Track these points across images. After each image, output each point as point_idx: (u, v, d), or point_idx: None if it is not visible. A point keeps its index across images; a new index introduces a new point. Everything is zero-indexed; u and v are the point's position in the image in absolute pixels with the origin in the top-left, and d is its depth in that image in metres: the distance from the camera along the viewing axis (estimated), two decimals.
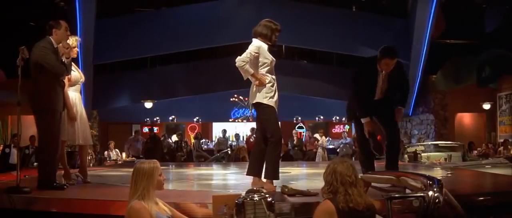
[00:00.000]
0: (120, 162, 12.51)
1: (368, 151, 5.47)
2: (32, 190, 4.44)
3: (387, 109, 5.32)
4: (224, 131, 17.32)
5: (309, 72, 16.75)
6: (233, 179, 7.22)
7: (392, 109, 5.35)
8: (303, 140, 16.05)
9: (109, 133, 17.12)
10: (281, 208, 3.71)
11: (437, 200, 2.80)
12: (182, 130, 18.21)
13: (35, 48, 4.79)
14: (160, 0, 16.43)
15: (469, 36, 14.51)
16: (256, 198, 3.02)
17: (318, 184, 4.01)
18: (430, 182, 2.97)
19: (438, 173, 7.01)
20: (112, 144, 13.90)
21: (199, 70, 16.37)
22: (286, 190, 4.27)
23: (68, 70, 5.02)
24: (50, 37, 4.90)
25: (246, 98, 14.73)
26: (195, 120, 18.42)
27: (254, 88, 4.64)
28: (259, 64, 4.61)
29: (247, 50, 4.59)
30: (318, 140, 15.63)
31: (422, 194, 2.88)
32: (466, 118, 17.31)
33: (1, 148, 11.68)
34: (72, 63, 5.56)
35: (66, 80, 5.25)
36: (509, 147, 13.41)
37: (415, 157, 10.72)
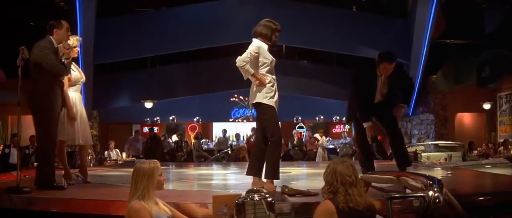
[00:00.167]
0: (120, 162, 12.50)
1: (368, 151, 5.48)
2: (32, 190, 4.44)
3: (387, 110, 5.32)
4: (224, 131, 17.32)
5: (309, 72, 16.76)
6: (233, 179, 7.22)
7: (391, 109, 5.35)
8: (303, 140, 16.05)
9: (109, 133, 17.12)
10: (281, 208, 3.71)
11: (437, 200, 2.80)
12: (182, 130, 18.22)
13: (35, 47, 4.79)
14: (160, 0, 16.43)
15: (469, 36, 14.51)
16: (256, 198, 3.02)
17: (318, 184, 4.02)
18: (430, 182, 2.97)
19: (438, 173, 7.01)
20: (112, 144, 13.90)
21: (199, 70, 16.37)
22: (286, 190, 4.27)
23: (67, 71, 5.02)
24: (50, 37, 4.90)
25: (246, 98, 14.72)
26: (195, 119, 18.42)
27: (254, 88, 4.64)
28: (259, 64, 4.60)
29: (247, 50, 4.59)
30: (318, 140, 15.62)
31: (422, 194, 2.87)
32: (466, 118, 17.31)
33: (1, 148, 11.67)
34: (73, 63, 5.56)
35: (66, 80, 5.25)
36: (509, 146, 13.41)
37: (415, 157, 10.71)
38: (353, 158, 13.80)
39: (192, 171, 9.14)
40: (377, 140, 5.37)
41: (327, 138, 16.59)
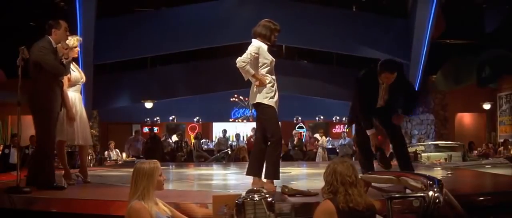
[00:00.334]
0: (120, 162, 12.51)
1: (368, 152, 5.48)
2: (32, 190, 4.44)
3: (388, 114, 5.33)
4: (224, 131, 17.32)
5: (309, 72, 16.76)
6: (233, 179, 7.22)
7: (393, 113, 5.35)
8: (303, 140, 16.05)
9: (109, 133, 17.12)
10: (281, 208, 3.71)
11: (437, 200, 2.80)
12: (182, 130, 18.21)
13: (34, 47, 4.79)
14: (160, 0, 16.42)
15: (469, 36, 14.52)
16: (256, 198, 3.02)
17: (318, 184, 4.01)
18: (430, 182, 2.97)
19: (438, 173, 7.01)
20: (112, 144, 13.90)
21: (199, 70, 16.37)
22: (286, 190, 4.27)
23: (66, 71, 5.01)
24: (49, 37, 4.90)
25: (246, 98, 14.73)
26: (195, 120, 18.42)
27: (255, 89, 4.63)
28: (259, 64, 4.60)
29: (247, 51, 4.59)
30: (318, 140, 15.63)
31: (422, 194, 2.87)
32: (466, 118, 17.31)
33: (1, 148, 11.67)
34: (73, 63, 5.57)
35: (65, 81, 5.25)
36: (509, 147, 13.41)
37: (415, 157, 10.71)
38: (353, 158, 13.81)
39: (192, 171, 9.14)
40: (381, 149, 5.38)
41: (327, 138, 16.59)
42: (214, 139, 18.23)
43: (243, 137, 17.62)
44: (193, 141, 16.67)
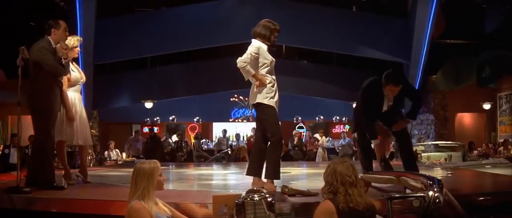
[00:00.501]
0: (120, 162, 12.51)
1: (369, 152, 5.51)
2: (32, 190, 4.44)
3: (392, 115, 5.34)
4: (224, 131, 17.32)
5: (309, 72, 16.76)
6: (233, 179, 7.22)
7: (398, 116, 5.37)
8: (303, 140, 16.05)
9: (109, 133, 17.12)
10: (281, 208, 3.72)
11: (437, 200, 2.80)
12: (182, 130, 18.21)
13: (34, 47, 4.79)
14: (160, 0, 16.42)
15: (469, 36, 14.52)
16: (256, 198, 3.02)
17: (318, 184, 4.02)
18: (430, 182, 2.98)
19: (438, 173, 7.01)
20: (112, 144, 13.90)
21: (199, 70, 16.37)
22: (286, 190, 4.27)
23: (66, 71, 5.01)
24: (48, 37, 4.90)
25: (246, 98, 14.73)
26: (195, 120, 18.42)
27: (255, 89, 4.63)
28: (259, 64, 4.60)
29: (247, 51, 4.59)
30: (318, 140, 15.63)
31: (422, 194, 2.88)
32: (466, 118, 17.32)
33: (1, 148, 11.67)
34: (73, 63, 5.57)
35: (65, 81, 5.25)
36: (509, 147, 13.41)
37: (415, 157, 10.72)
38: (353, 158, 13.81)
39: (192, 171, 9.14)
40: (385, 160, 5.42)
41: (327, 138, 16.60)
42: (214, 139, 18.23)
43: (243, 137, 17.62)
44: (193, 141, 16.67)
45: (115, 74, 16.62)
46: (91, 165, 9.12)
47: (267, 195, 3.09)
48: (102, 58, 14.61)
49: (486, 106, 16.27)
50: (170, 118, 18.29)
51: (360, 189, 2.97)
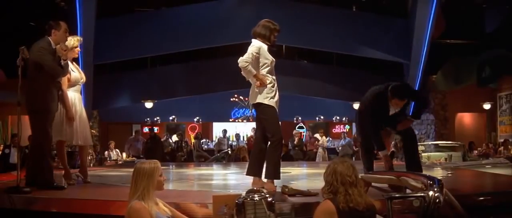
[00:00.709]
0: (120, 162, 12.51)
1: (371, 154, 5.54)
2: (32, 190, 4.44)
3: (397, 117, 5.35)
4: (225, 131, 17.32)
5: (309, 72, 16.76)
6: (234, 179, 7.22)
7: (402, 116, 5.38)
8: (304, 140, 16.05)
9: (110, 133, 17.12)
10: (281, 208, 3.71)
11: (437, 200, 2.80)
12: (182, 130, 18.20)
13: (33, 47, 4.80)
14: (160, 0, 16.42)
15: (469, 36, 14.52)
16: (257, 198, 3.02)
17: (319, 184, 4.01)
18: (431, 182, 2.98)
19: (438, 173, 7.01)
20: (112, 144, 13.90)
21: (199, 70, 16.37)
22: (287, 190, 4.27)
23: (64, 72, 5.01)
24: (49, 37, 4.90)
25: (246, 98, 14.72)
26: (195, 120, 18.42)
27: (255, 89, 4.63)
28: (260, 64, 4.60)
29: (248, 51, 4.58)
30: (318, 140, 15.63)
31: (422, 194, 2.88)
32: (466, 118, 17.32)
33: (1, 148, 11.67)
34: (74, 63, 5.57)
35: (65, 81, 5.25)
36: (509, 146, 13.41)
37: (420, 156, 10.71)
38: (353, 158, 13.81)
39: (192, 171, 9.14)
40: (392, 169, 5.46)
41: (327, 138, 16.60)
42: (214, 139, 18.23)
43: (243, 137, 17.62)
44: (193, 141, 16.68)
45: (115, 74, 16.62)
46: (91, 165, 9.12)
47: (267, 195, 3.09)
48: (102, 58, 14.61)
49: (486, 106, 16.27)
50: (170, 118, 18.29)
51: (360, 189, 2.97)
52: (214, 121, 18.92)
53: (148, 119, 17.93)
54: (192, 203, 3.79)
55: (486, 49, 14.05)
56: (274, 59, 4.71)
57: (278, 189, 4.42)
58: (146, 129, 17.23)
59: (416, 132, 5.93)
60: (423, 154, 11.61)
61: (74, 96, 5.44)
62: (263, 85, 4.57)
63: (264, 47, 4.64)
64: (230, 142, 17.00)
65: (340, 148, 15.73)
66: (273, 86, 4.65)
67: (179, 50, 15.80)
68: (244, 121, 18.09)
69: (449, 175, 6.83)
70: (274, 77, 4.69)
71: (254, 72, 4.53)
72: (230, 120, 18.44)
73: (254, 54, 4.56)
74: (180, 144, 15.61)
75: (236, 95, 17.05)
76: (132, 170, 3.21)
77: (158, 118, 18.04)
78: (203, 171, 8.90)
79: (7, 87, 10.29)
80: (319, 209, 2.98)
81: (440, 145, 13.13)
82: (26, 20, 12.86)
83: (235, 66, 4.58)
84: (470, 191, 4.95)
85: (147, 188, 3.07)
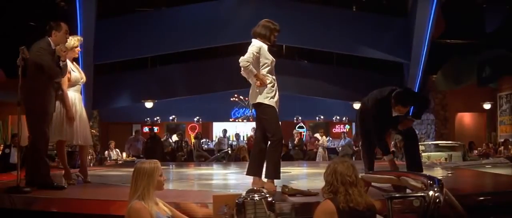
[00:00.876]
0: (120, 162, 12.50)
1: (372, 154, 5.55)
2: (32, 190, 4.44)
3: (400, 118, 5.36)
4: (225, 131, 17.33)
5: (309, 72, 16.76)
6: (234, 179, 7.22)
7: (403, 116, 5.39)
8: (304, 139, 16.06)
9: (110, 132, 17.12)
10: (281, 208, 3.71)
11: (437, 200, 2.80)
12: (182, 130, 18.21)
13: (33, 47, 4.80)
14: (160, 0, 16.42)
15: (469, 36, 14.50)
16: (257, 198, 3.02)
17: (319, 184, 4.02)
18: (431, 182, 2.97)
19: (438, 173, 7.01)
20: (112, 144, 13.90)
21: (199, 70, 16.37)
22: (287, 189, 4.27)
23: (63, 73, 5.02)
24: (49, 38, 4.91)
25: (246, 98, 14.71)
26: (195, 119, 18.43)
27: (256, 89, 4.63)
28: (260, 64, 4.60)
29: (248, 51, 4.58)
30: (318, 140, 15.63)
31: (422, 194, 2.87)
32: (466, 118, 17.32)
33: (1, 148, 11.67)
34: (74, 63, 5.57)
35: (65, 81, 5.25)
36: (509, 146, 13.41)
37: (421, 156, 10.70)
38: (353, 157, 13.81)
39: (192, 171, 9.14)
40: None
41: (327, 138, 16.60)
42: (214, 139, 18.24)
43: (243, 136, 17.63)
44: (193, 140, 16.68)
45: (115, 74, 16.63)
46: (91, 164, 9.12)
47: (267, 195, 3.09)
48: (102, 58, 14.62)
49: (486, 106, 16.27)
50: (170, 118, 18.30)
51: (360, 189, 2.98)
52: (214, 121, 18.93)
53: (148, 118, 17.94)
54: (192, 203, 3.79)
55: (486, 49, 14.04)
56: (274, 59, 4.71)
57: (278, 189, 4.42)
58: (146, 129, 17.24)
59: (416, 132, 5.94)
60: (423, 154, 11.60)
61: (74, 96, 5.44)
62: (263, 85, 4.56)
63: (264, 47, 4.64)
64: (230, 142, 17.01)
65: (340, 148, 15.73)
66: (273, 86, 4.65)
67: (179, 50, 15.80)
68: (244, 120, 18.09)
69: (449, 175, 6.83)
70: (274, 77, 4.69)
71: (255, 72, 4.53)
72: (230, 120, 18.45)
73: (255, 54, 4.55)
74: (180, 143, 15.61)
75: (236, 95, 17.05)
76: (132, 170, 3.21)
77: (158, 117, 18.05)
78: (203, 171, 8.90)
79: (7, 87, 10.27)
80: (319, 209, 2.98)
81: (440, 144, 13.13)
82: (26, 20, 12.85)
83: (235, 66, 4.58)
84: (470, 191, 4.94)
85: (147, 188, 3.07)
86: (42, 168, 4.78)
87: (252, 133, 15.57)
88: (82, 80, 5.64)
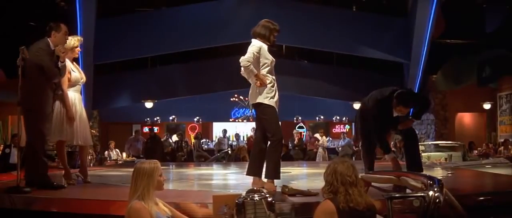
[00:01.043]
0: (120, 162, 12.51)
1: (372, 154, 5.55)
2: (32, 190, 4.44)
3: (400, 118, 5.36)
4: (225, 131, 17.34)
5: (309, 72, 16.76)
6: (234, 179, 7.22)
7: (404, 117, 5.39)
8: (304, 140, 16.06)
9: (110, 133, 17.12)
10: (281, 208, 3.72)
11: (437, 200, 2.80)
12: (182, 130, 18.22)
13: (32, 48, 4.80)
14: (160, 0, 16.42)
15: (469, 36, 14.50)
16: (257, 198, 3.02)
17: (319, 184, 4.02)
18: (431, 182, 2.97)
19: (438, 173, 7.01)
20: (112, 144, 13.90)
21: (199, 70, 16.37)
22: (287, 190, 4.27)
23: (61, 74, 5.02)
24: (48, 38, 4.91)
25: (246, 98, 14.71)
26: (195, 119, 18.43)
27: (256, 89, 4.63)
28: (260, 64, 4.61)
29: (249, 50, 4.58)
30: (318, 140, 15.63)
31: (422, 194, 2.87)
32: (466, 118, 17.32)
33: (1, 148, 11.67)
34: (74, 63, 5.57)
35: (65, 81, 5.25)
36: (509, 146, 13.41)
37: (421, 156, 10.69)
38: (353, 158, 13.80)
39: (192, 171, 9.13)
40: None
41: (327, 138, 16.60)
42: (214, 139, 18.24)
43: (243, 136, 17.63)
44: (193, 140, 16.69)
45: (115, 74, 16.63)
46: (91, 165, 9.12)
47: (267, 195, 3.09)
48: (102, 58, 14.61)
49: (486, 106, 16.27)
50: (170, 118, 18.30)
51: (360, 189, 2.98)
52: (214, 121, 18.94)
53: (148, 119, 17.94)
54: (192, 203, 3.79)
55: (486, 49, 14.04)
56: (274, 59, 4.71)
57: (278, 189, 4.42)
58: (146, 129, 17.24)
59: (416, 132, 5.95)
60: (423, 154, 11.60)
61: (74, 96, 5.44)
62: (263, 85, 4.57)
63: (264, 47, 4.65)
64: (230, 142, 17.01)
65: (339, 148, 15.74)
66: (273, 86, 4.65)
67: (179, 50, 15.80)
68: (244, 120, 18.10)
69: (449, 175, 6.83)
70: (274, 77, 4.69)
71: (256, 71, 4.53)
72: (230, 120, 18.45)
73: (255, 54, 4.56)
74: (180, 144, 15.62)
75: (236, 95, 17.05)
76: (132, 170, 3.21)
77: (158, 118, 18.05)
78: (203, 171, 8.90)
79: (7, 87, 10.28)
80: (319, 209, 2.98)
81: (440, 144, 13.13)
82: (26, 20, 12.85)
83: (235, 66, 4.58)
84: (470, 191, 4.94)
85: (147, 188, 3.07)
86: (40, 167, 4.78)
87: (252, 133, 15.57)
88: (82, 80, 5.64)
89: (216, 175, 8.47)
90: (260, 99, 4.59)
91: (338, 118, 18.55)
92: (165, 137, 16.44)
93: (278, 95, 4.71)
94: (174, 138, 16.67)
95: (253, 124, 13.07)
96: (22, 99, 4.74)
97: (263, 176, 4.67)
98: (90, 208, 3.94)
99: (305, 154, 15.03)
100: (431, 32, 13.93)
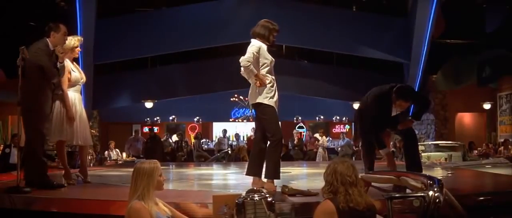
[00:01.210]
0: (120, 162, 12.51)
1: (372, 154, 5.56)
2: (32, 190, 4.44)
3: (399, 119, 5.35)
4: (225, 131, 17.34)
5: (309, 72, 16.76)
6: (234, 179, 7.22)
7: (403, 116, 5.38)
8: (303, 140, 16.06)
9: (110, 133, 17.13)
10: (281, 208, 3.72)
11: (437, 200, 2.80)
12: (182, 130, 18.22)
13: (31, 48, 4.80)
14: (160, 0, 16.43)
15: (469, 36, 14.50)
16: (257, 198, 3.02)
17: (319, 184, 4.01)
18: (431, 182, 2.97)
19: (438, 173, 7.01)
20: (112, 144, 13.90)
21: (199, 70, 16.37)
22: (287, 189, 4.27)
23: (60, 74, 5.02)
24: (47, 39, 4.91)
25: (246, 98, 14.67)
26: (195, 119, 18.43)
27: (255, 89, 4.63)
28: (260, 64, 4.61)
29: (248, 50, 4.58)
30: (318, 140, 15.63)
31: (422, 194, 2.87)
32: (466, 118, 17.32)
33: (1, 148, 11.67)
34: (74, 63, 5.57)
35: (65, 81, 5.25)
36: (509, 146, 13.41)
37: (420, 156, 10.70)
38: (353, 158, 13.81)
39: (192, 171, 9.13)
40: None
41: (327, 138, 16.60)
42: (214, 139, 18.24)
43: (243, 136, 17.63)
44: (193, 140, 16.69)
45: (115, 74, 16.63)
46: (91, 165, 9.12)
47: (267, 195, 3.09)
48: (102, 58, 14.62)
49: (486, 106, 16.27)
50: (170, 118, 18.30)
51: (360, 188, 2.97)
52: (214, 121, 18.94)
53: (148, 119, 17.94)
54: (192, 203, 3.79)
55: (486, 49, 14.04)
56: (273, 59, 4.71)
57: (278, 189, 4.42)
58: (146, 129, 17.25)
59: (416, 132, 5.94)
60: (423, 154, 11.61)
61: (74, 96, 5.44)
62: (262, 85, 4.57)
63: (264, 47, 4.65)
64: (230, 142, 17.01)
65: (339, 149, 15.74)
66: (272, 86, 4.65)
67: (179, 50, 15.81)
68: (244, 120, 18.10)
69: (449, 175, 6.83)
70: (273, 77, 4.69)
71: (256, 71, 4.53)
72: (230, 120, 18.45)
73: (255, 54, 4.56)
74: (180, 144, 15.62)
75: (236, 95, 17.05)
76: (132, 170, 3.21)
77: (158, 118, 18.05)
78: (203, 171, 8.90)
79: (7, 87, 10.28)
80: (319, 209, 2.98)
81: (440, 144, 13.13)
82: (26, 20, 12.85)
83: (235, 66, 4.58)
84: (470, 191, 4.94)
85: (147, 188, 3.07)
86: (40, 167, 4.78)
87: (252, 133, 15.57)
88: (82, 80, 5.64)
89: (216, 175, 8.47)
90: (259, 99, 4.59)
91: (338, 118, 18.55)
92: (165, 137, 16.44)
93: (278, 95, 4.71)
94: (174, 138, 16.68)
95: (253, 124, 13.06)
96: (21, 99, 4.74)
97: (263, 176, 4.67)
98: (90, 208, 3.94)
99: (305, 154, 15.03)
100: (431, 32, 13.93)
